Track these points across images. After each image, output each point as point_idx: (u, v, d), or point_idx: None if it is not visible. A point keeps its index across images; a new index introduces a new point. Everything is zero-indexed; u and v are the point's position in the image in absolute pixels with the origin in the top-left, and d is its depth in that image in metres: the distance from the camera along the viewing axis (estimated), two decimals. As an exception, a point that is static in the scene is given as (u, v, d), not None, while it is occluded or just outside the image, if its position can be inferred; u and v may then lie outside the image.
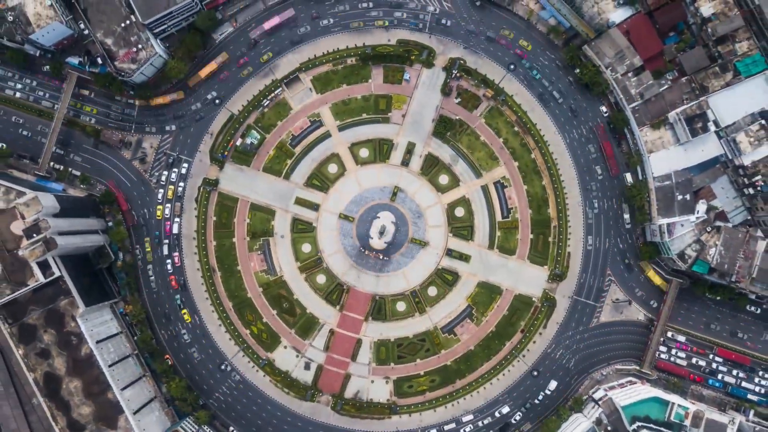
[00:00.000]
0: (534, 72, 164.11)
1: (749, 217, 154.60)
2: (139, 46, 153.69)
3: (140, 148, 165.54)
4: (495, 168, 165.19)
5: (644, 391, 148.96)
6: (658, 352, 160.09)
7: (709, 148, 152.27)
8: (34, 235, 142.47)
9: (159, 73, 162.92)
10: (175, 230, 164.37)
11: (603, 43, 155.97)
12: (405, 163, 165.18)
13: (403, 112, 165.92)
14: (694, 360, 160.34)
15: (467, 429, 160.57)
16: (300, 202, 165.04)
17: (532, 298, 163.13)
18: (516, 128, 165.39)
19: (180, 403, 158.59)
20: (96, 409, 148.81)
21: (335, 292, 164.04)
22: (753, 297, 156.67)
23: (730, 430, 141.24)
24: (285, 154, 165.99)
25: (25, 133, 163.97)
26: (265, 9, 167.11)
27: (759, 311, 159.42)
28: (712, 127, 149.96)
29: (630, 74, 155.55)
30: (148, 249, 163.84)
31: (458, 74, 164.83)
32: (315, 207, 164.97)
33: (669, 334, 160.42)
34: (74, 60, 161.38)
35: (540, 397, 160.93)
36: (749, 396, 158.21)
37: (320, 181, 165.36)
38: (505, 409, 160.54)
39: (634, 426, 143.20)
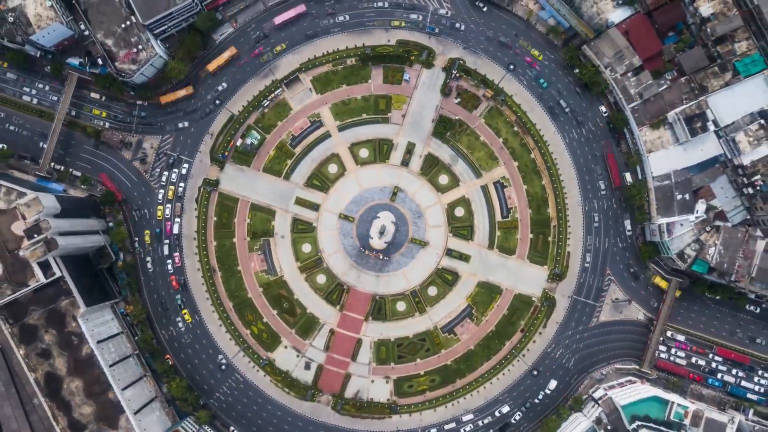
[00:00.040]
0: (541, 80, 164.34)
1: (748, 217, 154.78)
2: (140, 46, 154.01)
3: (140, 149, 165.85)
4: (495, 168, 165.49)
5: (644, 390, 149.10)
6: (657, 352, 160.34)
7: (708, 147, 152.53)
8: (35, 235, 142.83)
9: (159, 73, 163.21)
10: (175, 230, 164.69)
11: (602, 43, 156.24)
12: (405, 163, 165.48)
13: (402, 113, 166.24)
14: (693, 359, 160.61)
15: (467, 428, 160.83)
16: (300, 202, 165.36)
17: (532, 298, 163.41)
18: (515, 128, 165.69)
19: (181, 403, 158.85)
20: (97, 409, 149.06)
21: (335, 292, 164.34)
22: (752, 296, 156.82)
23: (730, 430, 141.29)
24: (285, 155, 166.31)
25: (25, 133, 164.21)
26: (265, 9, 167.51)
27: (758, 310, 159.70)
28: (712, 127, 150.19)
29: (629, 74, 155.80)
30: (148, 240, 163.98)
31: (458, 74, 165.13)
32: (315, 207, 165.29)
33: (668, 333, 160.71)
34: (75, 61, 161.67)
35: (540, 397, 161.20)
36: (749, 395, 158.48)
37: (320, 181, 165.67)
38: (505, 409, 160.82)
39: (634, 425, 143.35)
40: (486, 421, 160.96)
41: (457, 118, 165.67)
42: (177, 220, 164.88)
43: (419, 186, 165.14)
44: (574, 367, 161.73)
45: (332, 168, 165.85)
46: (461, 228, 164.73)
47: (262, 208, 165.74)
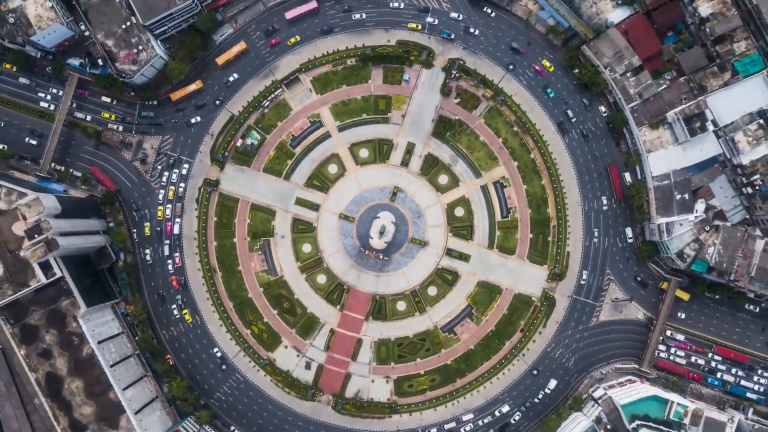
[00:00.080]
0: (549, 90, 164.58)
1: (748, 216, 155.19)
2: (140, 47, 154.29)
3: (141, 149, 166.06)
4: (494, 168, 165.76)
5: (643, 389, 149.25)
6: (657, 351, 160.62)
7: (707, 147, 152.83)
8: (36, 236, 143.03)
9: (160, 74, 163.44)
10: (176, 231, 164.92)
11: (602, 43, 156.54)
12: (405, 163, 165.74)
13: (402, 113, 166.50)
14: (693, 358, 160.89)
15: (467, 428, 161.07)
16: (300, 202, 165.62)
17: (532, 298, 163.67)
18: (515, 128, 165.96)
19: (181, 403, 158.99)
20: (97, 409, 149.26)
21: (336, 292, 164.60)
22: (752, 296, 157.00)
23: (729, 429, 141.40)
24: (285, 155, 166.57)
25: (25, 134, 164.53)
26: (265, 10, 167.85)
27: (758, 310, 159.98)
28: (711, 127, 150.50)
29: (629, 74, 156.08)
30: (147, 232, 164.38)
31: (457, 74, 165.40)
32: (315, 207, 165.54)
33: (668, 332, 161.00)
34: (75, 61, 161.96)
35: (540, 396, 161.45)
36: (748, 394, 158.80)
37: (320, 181, 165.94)
38: (505, 408, 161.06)
39: (634, 424, 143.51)
40: (486, 420, 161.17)
41: (456, 118, 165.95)
42: (177, 220, 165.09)
43: (419, 186, 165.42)
44: (573, 367, 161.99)
45: (332, 168, 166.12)
46: (461, 228, 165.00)
47: (262, 209, 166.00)
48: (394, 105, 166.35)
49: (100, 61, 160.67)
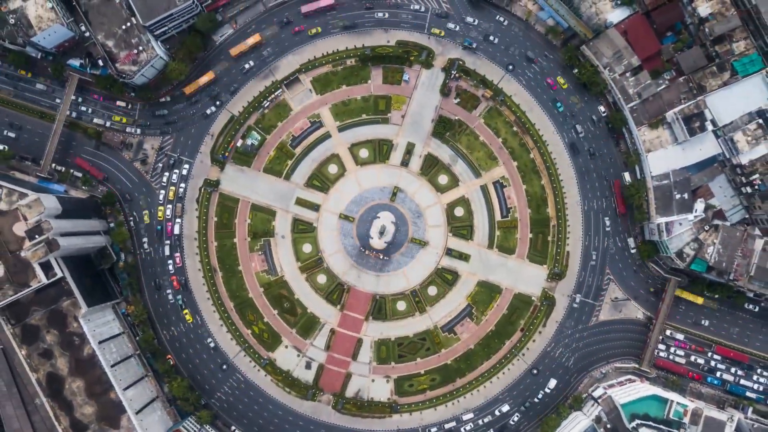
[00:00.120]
0: (558, 104, 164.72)
1: (747, 216, 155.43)
2: (140, 48, 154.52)
3: (141, 150, 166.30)
4: (494, 168, 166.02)
5: (643, 389, 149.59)
6: (656, 350, 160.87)
7: (706, 147, 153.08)
8: (37, 236, 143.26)
9: (160, 74, 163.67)
10: (176, 231, 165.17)
11: (601, 43, 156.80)
12: (404, 163, 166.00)
13: (402, 113, 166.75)
14: (692, 358, 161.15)
15: (467, 427, 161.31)
16: (300, 202, 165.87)
17: (532, 297, 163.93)
18: (515, 128, 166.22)
19: (182, 403, 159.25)
20: (98, 409, 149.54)
21: (336, 292, 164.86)
22: (751, 295, 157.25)
23: (729, 428, 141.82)
24: (285, 155, 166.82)
25: (26, 135, 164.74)
26: (266, 11, 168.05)
27: (757, 309, 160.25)
28: (710, 127, 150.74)
29: (628, 74, 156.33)
30: (147, 220, 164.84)
31: (457, 75, 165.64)
32: (315, 207, 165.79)
33: (668, 332, 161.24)
34: (75, 62, 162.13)
35: (540, 396, 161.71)
36: (747, 393, 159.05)
37: (320, 181, 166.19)
38: (505, 408, 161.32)
39: (634, 424, 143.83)
40: (486, 420, 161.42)
41: (456, 118, 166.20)
42: (178, 220, 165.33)
43: (419, 186, 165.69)
44: (573, 366, 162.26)
45: (332, 168, 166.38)
46: (461, 228, 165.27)
47: (262, 209, 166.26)
48: (394, 105, 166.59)
49: (100, 62, 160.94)
